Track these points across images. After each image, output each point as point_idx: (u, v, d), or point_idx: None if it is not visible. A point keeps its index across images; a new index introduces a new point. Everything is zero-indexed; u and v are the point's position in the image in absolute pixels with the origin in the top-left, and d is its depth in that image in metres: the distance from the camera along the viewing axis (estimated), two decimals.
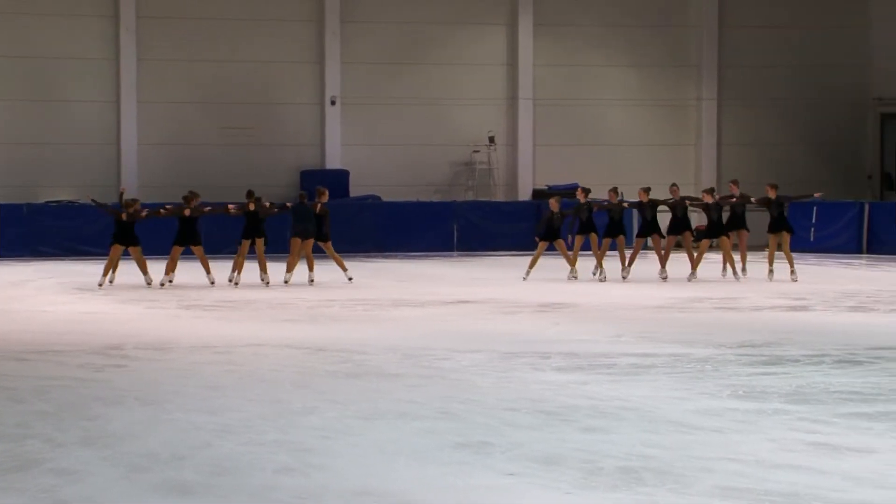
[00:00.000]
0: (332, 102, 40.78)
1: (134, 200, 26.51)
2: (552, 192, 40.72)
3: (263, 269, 25.88)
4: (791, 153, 43.67)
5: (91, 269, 28.94)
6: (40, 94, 39.11)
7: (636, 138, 43.03)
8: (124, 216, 25.67)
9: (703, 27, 43.17)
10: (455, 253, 36.75)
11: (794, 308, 21.27)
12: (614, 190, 27.83)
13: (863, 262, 33.99)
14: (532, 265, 26.97)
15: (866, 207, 37.43)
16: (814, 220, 37.06)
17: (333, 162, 40.71)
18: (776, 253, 26.54)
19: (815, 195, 30.51)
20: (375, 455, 9.61)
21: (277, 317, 20.06)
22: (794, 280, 25.95)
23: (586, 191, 27.69)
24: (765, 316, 20.17)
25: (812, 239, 37.42)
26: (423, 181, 40.96)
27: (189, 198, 25.78)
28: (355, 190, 39.90)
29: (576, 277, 27.00)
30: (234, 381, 13.27)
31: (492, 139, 41.35)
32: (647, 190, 27.46)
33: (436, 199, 40.30)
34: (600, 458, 9.39)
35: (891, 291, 24.54)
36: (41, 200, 37.60)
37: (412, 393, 12.40)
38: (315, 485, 8.72)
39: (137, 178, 39.10)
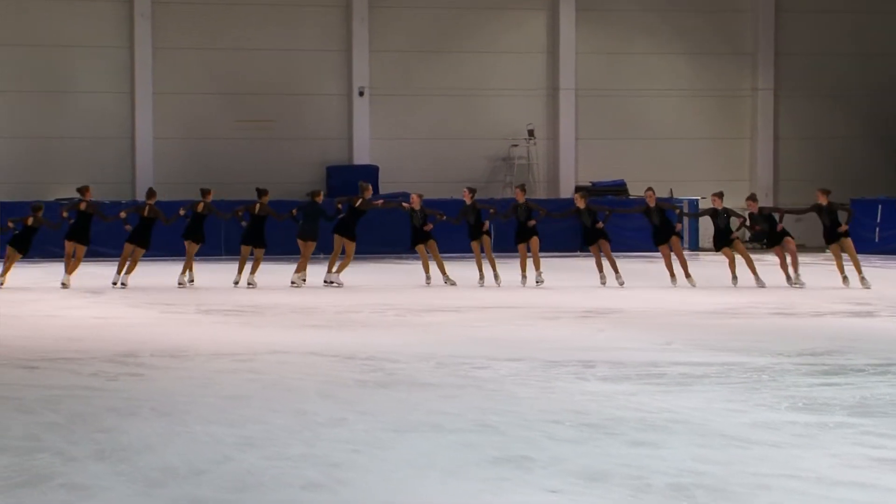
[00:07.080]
0: (361, 93, 40.85)
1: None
2: (596, 188, 40.69)
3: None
4: (853, 147, 43.56)
5: (104, 272, 29.05)
6: (51, 84, 39.29)
7: (686, 131, 42.97)
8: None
9: (758, 12, 43.07)
10: (493, 254, 36.71)
11: (857, 314, 21.18)
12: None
13: None
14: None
15: None
16: (879, 220, 36.92)
17: (362, 157, 40.78)
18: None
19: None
20: (407, 470, 9.61)
21: (303, 322, 20.09)
22: (867, 287, 25.33)
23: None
24: (826, 322, 20.09)
25: (877, 240, 37.32)
26: (457, 177, 40.95)
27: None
28: (385, 187, 39.90)
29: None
30: (256, 390, 13.30)
31: (531, 132, 41.35)
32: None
33: None
34: (649, 474, 9.37)
35: None
36: (51, 198, 37.74)
37: (447, 404, 12.40)
38: (343, 501, 8.73)
39: (153, 174, 39.24)
